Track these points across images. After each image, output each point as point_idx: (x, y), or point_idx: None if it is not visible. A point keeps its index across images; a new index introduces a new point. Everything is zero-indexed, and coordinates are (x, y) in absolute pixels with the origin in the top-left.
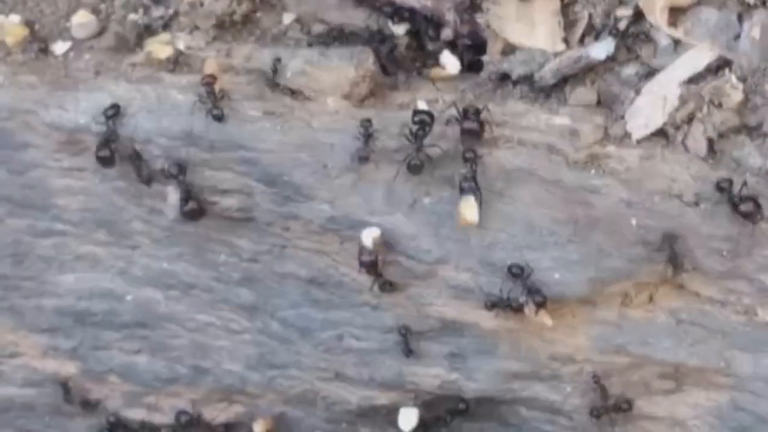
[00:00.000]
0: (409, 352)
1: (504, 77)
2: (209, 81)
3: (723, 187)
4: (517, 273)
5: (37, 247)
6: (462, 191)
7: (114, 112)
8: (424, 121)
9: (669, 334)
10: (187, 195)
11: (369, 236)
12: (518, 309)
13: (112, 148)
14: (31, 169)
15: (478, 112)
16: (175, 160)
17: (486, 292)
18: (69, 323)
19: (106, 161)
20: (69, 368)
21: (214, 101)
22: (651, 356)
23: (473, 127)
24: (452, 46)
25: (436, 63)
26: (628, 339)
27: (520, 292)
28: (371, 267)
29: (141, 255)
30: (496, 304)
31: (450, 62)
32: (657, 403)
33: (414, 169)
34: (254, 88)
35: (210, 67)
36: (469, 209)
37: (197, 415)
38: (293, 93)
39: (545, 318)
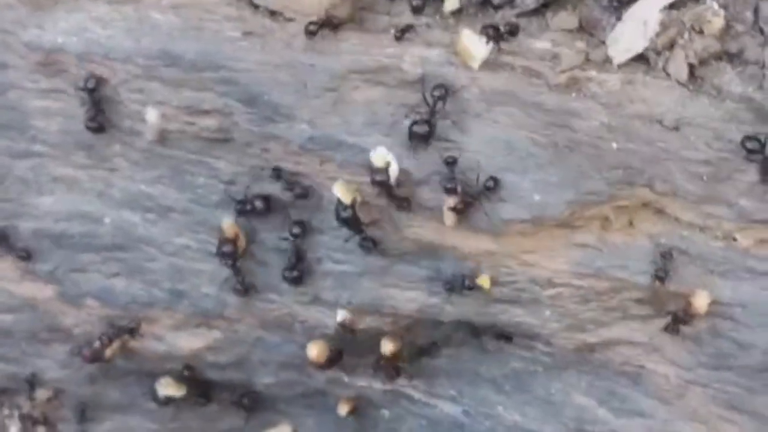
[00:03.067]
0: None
1: (485, 2)
2: None
3: (751, 149)
4: (450, 162)
5: (14, 168)
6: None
7: (95, 85)
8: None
9: (648, 259)
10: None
11: (380, 158)
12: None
13: (100, 120)
14: (9, 89)
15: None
16: (296, 220)
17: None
18: (46, 245)
19: (96, 130)
20: (46, 292)
21: None
22: (630, 280)
23: (423, 131)
24: None
25: None
26: (607, 263)
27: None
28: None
29: (119, 177)
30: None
31: None
32: (635, 329)
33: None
34: (234, 9)
35: None
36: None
37: None
38: (273, 14)
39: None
